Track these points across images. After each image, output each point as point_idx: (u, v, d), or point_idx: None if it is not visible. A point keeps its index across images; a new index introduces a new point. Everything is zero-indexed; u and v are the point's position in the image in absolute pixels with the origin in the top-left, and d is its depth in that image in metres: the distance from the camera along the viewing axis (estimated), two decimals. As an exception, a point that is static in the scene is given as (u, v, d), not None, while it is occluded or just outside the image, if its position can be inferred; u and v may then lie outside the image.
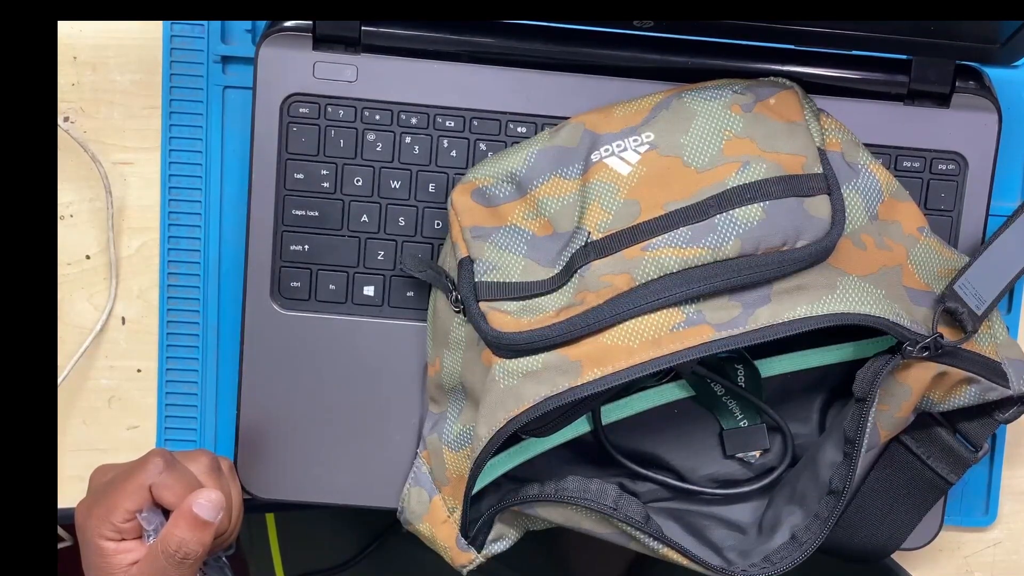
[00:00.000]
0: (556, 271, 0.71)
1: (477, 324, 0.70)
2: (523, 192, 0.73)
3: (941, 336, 0.71)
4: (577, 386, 0.68)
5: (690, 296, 0.69)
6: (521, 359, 0.70)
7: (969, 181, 0.79)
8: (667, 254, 0.69)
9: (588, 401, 0.71)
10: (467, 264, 0.72)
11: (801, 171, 0.71)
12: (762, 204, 0.69)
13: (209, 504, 0.68)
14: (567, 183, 0.72)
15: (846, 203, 0.73)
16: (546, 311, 0.70)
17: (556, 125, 0.75)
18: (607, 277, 0.69)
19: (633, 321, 0.69)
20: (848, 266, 0.71)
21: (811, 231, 0.70)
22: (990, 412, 0.76)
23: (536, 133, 0.78)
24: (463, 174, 0.78)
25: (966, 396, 0.74)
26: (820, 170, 0.71)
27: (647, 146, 0.72)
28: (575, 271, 0.70)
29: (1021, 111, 0.82)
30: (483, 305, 0.71)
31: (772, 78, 0.76)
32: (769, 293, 0.69)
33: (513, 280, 0.71)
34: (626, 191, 0.71)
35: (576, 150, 0.73)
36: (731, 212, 0.69)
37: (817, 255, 0.70)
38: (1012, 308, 0.83)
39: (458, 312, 0.73)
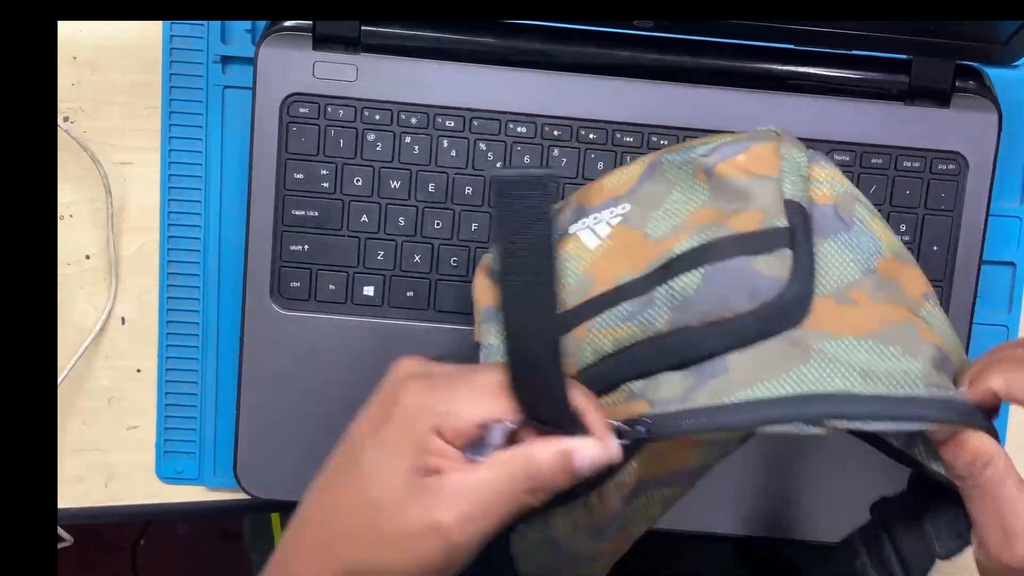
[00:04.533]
0: None
1: None
2: None
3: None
4: None
5: (629, 377, 0.63)
6: None
7: (969, 181, 0.79)
8: (603, 335, 0.63)
9: None
10: (477, 350, 0.70)
11: (756, 228, 0.62)
12: (700, 269, 0.61)
13: (589, 459, 0.58)
14: None
15: (828, 257, 0.63)
16: None
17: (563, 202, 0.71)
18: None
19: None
20: (833, 328, 0.60)
21: (760, 293, 0.60)
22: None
23: (536, 132, 0.78)
24: (463, 173, 0.78)
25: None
26: (784, 223, 0.62)
27: (619, 218, 0.66)
28: None
29: (1021, 111, 0.82)
30: None
31: (766, 128, 0.69)
32: (725, 363, 0.60)
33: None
34: (587, 264, 0.66)
35: (565, 223, 0.69)
36: (670, 283, 0.62)
37: (773, 320, 0.60)
38: (1012, 307, 0.83)
39: None
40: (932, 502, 0.64)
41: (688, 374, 0.61)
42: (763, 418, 0.58)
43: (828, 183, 0.65)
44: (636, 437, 0.60)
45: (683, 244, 0.62)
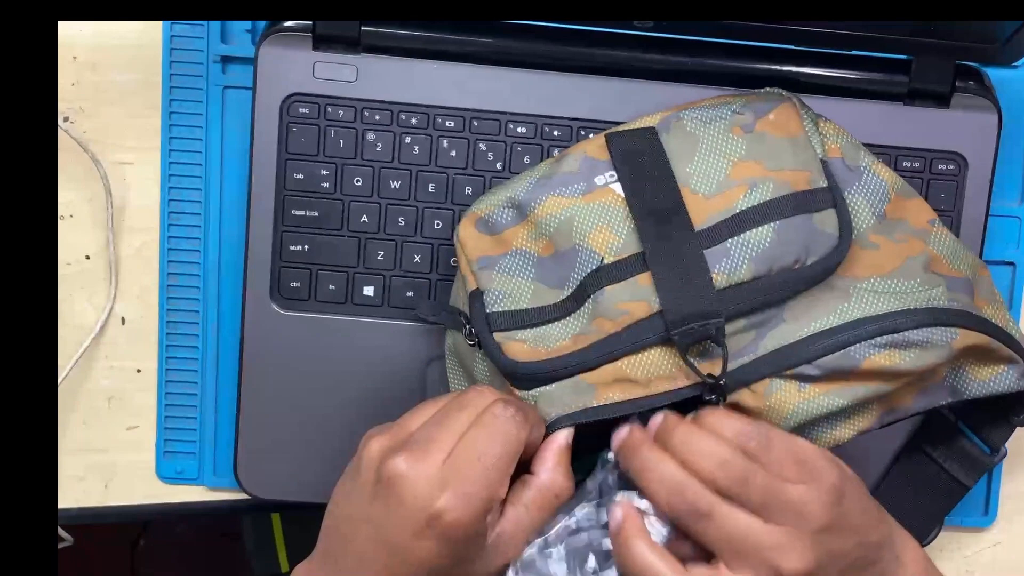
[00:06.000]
0: (566, 293, 0.70)
1: (493, 356, 0.69)
2: (524, 215, 0.72)
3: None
4: (591, 407, 0.67)
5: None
6: (539, 388, 0.68)
7: (969, 181, 0.79)
8: None
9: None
10: (477, 296, 0.71)
11: (807, 186, 0.70)
12: (772, 224, 0.69)
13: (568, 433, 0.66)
14: (565, 200, 0.71)
15: (851, 209, 0.72)
16: (562, 339, 0.69)
17: (560, 153, 0.73)
18: (623, 304, 0.68)
19: (651, 352, 0.68)
20: (862, 270, 0.70)
21: (821, 246, 0.69)
22: (1007, 414, 0.75)
23: (536, 132, 0.78)
24: (463, 173, 0.78)
25: (1003, 380, 0.72)
26: (825, 183, 0.70)
27: None
28: (588, 296, 0.69)
29: (1021, 111, 0.82)
30: (498, 336, 0.70)
31: (768, 89, 0.75)
32: (782, 314, 0.69)
33: (524, 307, 0.70)
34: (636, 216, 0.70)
35: (577, 174, 0.72)
36: (742, 235, 0.68)
37: (829, 269, 0.69)
38: (1012, 307, 0.83)
39: (473, 346, 0.71)
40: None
41: (749, 324, 0.68)
42: (824, 347, 0.68)
43: (834, 137, 0.74)
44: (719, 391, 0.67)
45: (743, 200, 0.69)
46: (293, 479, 0.81)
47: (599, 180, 0.71)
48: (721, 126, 0.72)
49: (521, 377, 0.69)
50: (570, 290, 0.70)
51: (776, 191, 0.70)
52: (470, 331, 0.71)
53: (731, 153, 0.71)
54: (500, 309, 0.70)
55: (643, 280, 0.68)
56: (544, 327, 0.70)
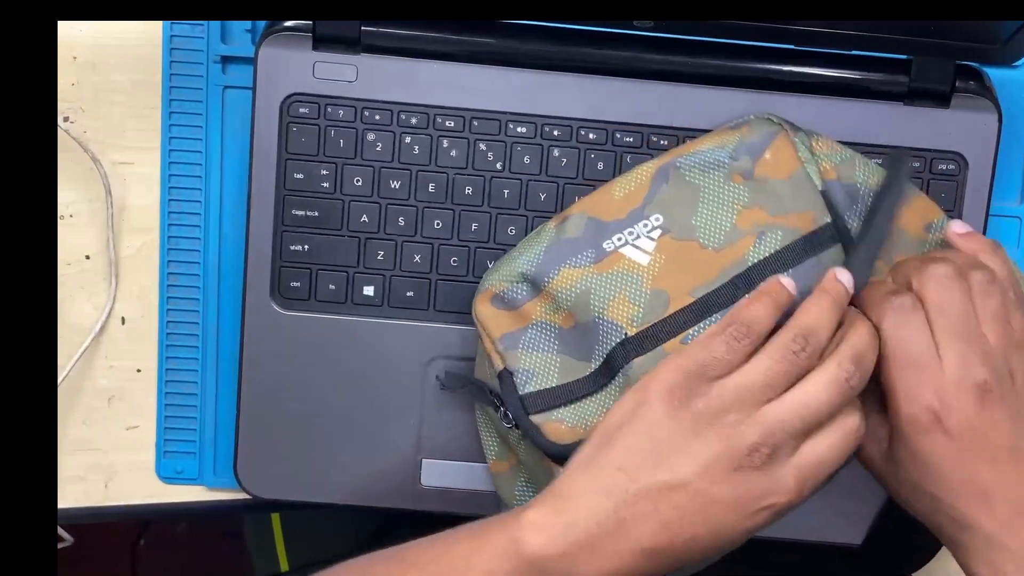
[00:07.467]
0: (594, 366, 0.70)
1: (534, 439, 0.70)
2: (539, 289, 0.72)
3: None
4: None
5: None
6: None
7: (969, 181, 0.79)
8: None
9: None
10: (507, 377, 0.71)
11: (813, 226, 0.70)
12: (785, 275, 0.69)
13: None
14: (578, 271, 0.71)
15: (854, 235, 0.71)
16: (598, 415, 0.70)
17: (560, 215, 0.73)
18: None
19: None
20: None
21: None
22: None
23: (536, 132, 0.78)
24: (463, 173, 0.78)
25: None
26: (828, 218, 0.71)
27: (659, 230, 0.71)
28: (618, 370, 0.69)
29: (1021, 111, 0.82)
30: (535, 418, 0.70)
31: (758, 118, 0.74)
32: None
33: (554, 384, 0.71)
34: (650, 281, 0.70)
35: (583, 239, 0.72)
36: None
37: None
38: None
39: (511, 427, 0.72)
40: None
41: None
42: None
43: (827, 156, 0.73)
44: None
45: (753, 252, 0.69)
46: (293, 479, 0.81)
47: (607, 245, 0.71)
48: (720, 175, 0.72)
49: (566, 458, 0.68)
50: (597, 362, 0.70)
51: (785, 238, 0.70)
52: (505, 413, 0.71)
53: (735, 202, 0.71)
54: (532, 389, 0.71)
55: (669, 348, 0.69)
56: (579, 403, 0.70)
